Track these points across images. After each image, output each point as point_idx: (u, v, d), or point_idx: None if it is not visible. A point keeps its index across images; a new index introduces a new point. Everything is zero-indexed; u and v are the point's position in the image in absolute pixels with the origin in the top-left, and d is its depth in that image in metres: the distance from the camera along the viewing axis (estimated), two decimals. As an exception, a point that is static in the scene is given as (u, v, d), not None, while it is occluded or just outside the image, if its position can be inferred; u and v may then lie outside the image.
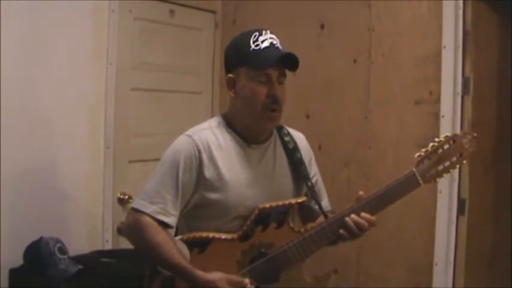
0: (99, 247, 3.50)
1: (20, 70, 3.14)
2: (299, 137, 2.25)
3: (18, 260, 3.04)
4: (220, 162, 2.00)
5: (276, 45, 2.01)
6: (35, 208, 3.21)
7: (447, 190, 3.12)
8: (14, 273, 3.04)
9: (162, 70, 3.91)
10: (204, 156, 1.99)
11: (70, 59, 3.37)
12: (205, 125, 2.10)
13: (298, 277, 2.06)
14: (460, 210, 3.13)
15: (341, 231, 1.96)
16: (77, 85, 3.41)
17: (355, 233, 1.95)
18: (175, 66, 4.00)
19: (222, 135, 2.06)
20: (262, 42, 2.00)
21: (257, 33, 2.02)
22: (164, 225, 1.98)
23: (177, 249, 1.94)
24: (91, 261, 3.19)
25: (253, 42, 2.00)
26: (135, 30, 3.72)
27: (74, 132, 3.41)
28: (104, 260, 3.27)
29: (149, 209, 1.97)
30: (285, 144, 2.15)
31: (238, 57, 2.05)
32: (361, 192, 1.99)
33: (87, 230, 3.52)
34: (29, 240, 3.05)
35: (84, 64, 3.46)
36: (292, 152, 2.15)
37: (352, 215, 1.95)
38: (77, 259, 3.13)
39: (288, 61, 1.99)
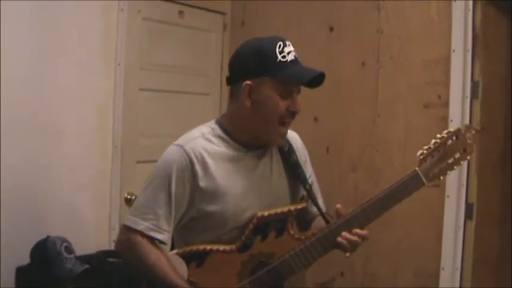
0: (106, 247, 3.50)
1: (28, 70, 3.16)
2: (294, 137, 2.16)
3: (24, 259, 3.05)
4: (215, 172, 1.91)
5: (299, 60, 1.95)
6: (42, 207, 3.22)
7: (455, 194, 3.10)
8: (20, 272, 3.06)
9: (171, 71, 3.92)
10: (198, 168, 1.90)
11: (79, 59, 3.38)
12: (196, 132, 1.99)
13: (301, 285, 2.01)
14: (468, 215, 3.11)
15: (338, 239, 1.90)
16: (85, 85, 3.42)
17: (349, 250, 1.90)
18: (183, 67, 4.00)
19: (217, 142, 1.96)
20: (288, 54, 1.91)
21: (281, 44, 1.92)
22: (157, 241, 1.91)
23: (171, 267, 1.87)
24: (97, 261, 3.20)
25: (280, 53, 1.90)
26: (143, 30, 3.73)
27: (82, 132, 3.43)
28: (110, 259, 3.27)
29: (141, 226, 1.89)
30: (280, 147, 2.06)
31: (262, 65, 1.92)
32: (338, 205, 1.92)
33: (94, 229, 3.53)
34: (35, 239, 3.06)
35: (92, 64, 3.47)
36: (287, 154, 2.06)
37: (344, 233, 1.89)
38: (84, 259, 3.15)
39: (315, 81, 1.94)
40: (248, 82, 1.92)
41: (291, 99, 1.93)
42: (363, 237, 1.90)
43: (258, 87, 1.92)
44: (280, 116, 1.91)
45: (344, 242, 1.89)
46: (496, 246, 3.36)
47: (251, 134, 1.97)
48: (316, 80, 1.94)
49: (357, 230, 1.90)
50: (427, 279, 3.23)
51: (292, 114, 1.93)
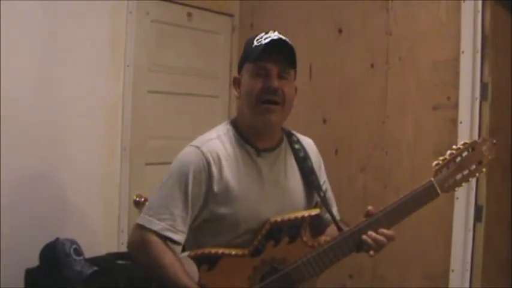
0: (115, 249, 3.52)
1: (37, 72, 3.17)
2: (308, 143, 2.17)
3: (34, 261, 3.06)
4: (230, 175, 1.92)
5: (278, 40, 1.92)
6: (51, 209, 3.23)
7: (464, 197, 3.09)
8: (29, 274, 3.07)
9: (179, 73, 3.92)
10: (214, 169, 1.90)
11: (87, 61, 3.39)
12: (213, 133, 2.00)
13: None
14: (477, 217, 3.09)
15: (363, 240, 1.88)
16: (94, 87, 3.43)
17: (374, 249, 1.88)
18: (192, 69, 4.01)
19: (231, 144, 1.97)
20: (265, 39, 1.93)
21: (263, 33, 1.96)
22: (172, 242, 1.90)
23: (184, 271, 1.85)
24: (106, 263, 3.20)
25: (257, 40, 1.94)
26: (152, 32, 3.74)
27: (91, 134, 3.43)
28: (119, 261, 3.28)
29: (157, 226, 1.88)
30: (295, 153, 2.07)
31: (243, 57, 2.00)
32: (370, 207, 1.92)
33: (103, 231, 3.54)
34: (45, 241, 3.07)
35: (101, 66, 3.48)
36: (302, 160, 2.07)
37: (370, 232, 1.88)
38: (93, 261, 3.15)
39: (280, 48, 1.91)
40: (235, 76, 2.05)
41: (267, 77, 1.91)
42: (389, 238, 1.90)
43: (242, 78, 1.99)
44: (257, 95, 1.91)
45: (369, 240, 1.88)
46: (505, 248, 3.35)
47: (249, 126, 1.98)
48: (280, 47, 1.91)
49: (383, 230, 1.89)
50: (436, 282, 3.22)
51: (269, 90, 1.90)
